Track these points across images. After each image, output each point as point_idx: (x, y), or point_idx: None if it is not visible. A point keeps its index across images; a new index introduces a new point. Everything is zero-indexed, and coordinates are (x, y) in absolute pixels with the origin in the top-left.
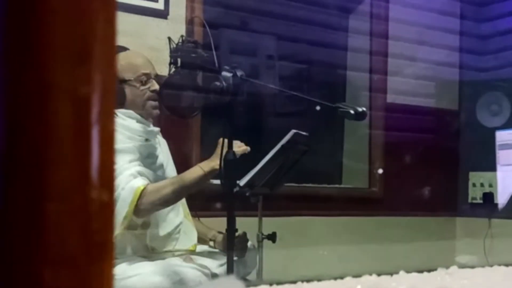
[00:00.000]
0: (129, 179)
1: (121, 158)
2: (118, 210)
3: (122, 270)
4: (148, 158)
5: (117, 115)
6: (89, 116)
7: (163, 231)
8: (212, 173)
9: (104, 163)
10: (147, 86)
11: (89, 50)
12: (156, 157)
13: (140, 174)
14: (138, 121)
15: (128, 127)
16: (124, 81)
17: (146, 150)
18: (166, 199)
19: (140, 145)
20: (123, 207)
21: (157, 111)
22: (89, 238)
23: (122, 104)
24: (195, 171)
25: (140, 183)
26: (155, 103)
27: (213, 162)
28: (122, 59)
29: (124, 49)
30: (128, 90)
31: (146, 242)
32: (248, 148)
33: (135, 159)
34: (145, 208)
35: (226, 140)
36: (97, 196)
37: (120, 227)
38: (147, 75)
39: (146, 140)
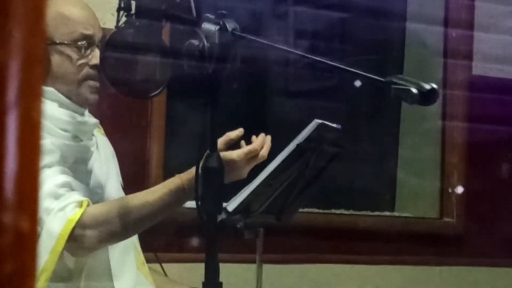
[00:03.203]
0: (49, 199)
1: None
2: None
3: None
4: (75, 165)
5: None
6: (4, 96)
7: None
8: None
9: (24, 171)
10: (87, 58)
11: None
12: (89, 165)
13: (66, 187)
14: (62, 106)
15: (45, 113)
16: (51, 43)
17: (72, 153)
18: (120, 231)
19: (64, 144)
20: (43, 249)
21: (95, 97)
22: None
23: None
24: (173, 186)
25: (72, 205)
26: (95, 84)
27: None
28: (50, 7)
29: None
30: (56, 59)
31: None
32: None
33: (55, 161)
34: (88, 244)
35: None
36: (12, 223)
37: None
38: (89, 39)
39: (75, 138)
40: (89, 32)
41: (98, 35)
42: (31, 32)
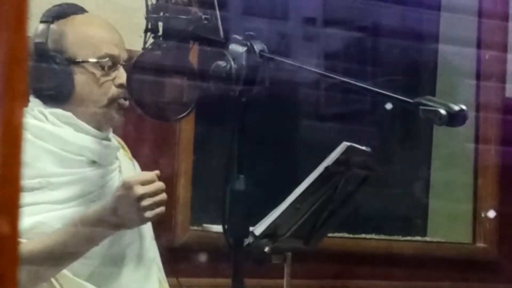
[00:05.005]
0: None
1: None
2: None
3: None
4: (90, 195)
5: (44, 115)
6: None
7: None
8: (118, 229)
9: (4, 174)
10: (111, 77)
11: None
12: (106, 188)
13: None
14: (79, 130)
15: (60, 139)
16: (74, 62)
17: (89, 181)
18: (38, 270)
19: (79, 177)
20: None
21: (121, 119)
22: None
23: (66, 99)
24: (94, 215)
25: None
26: (124, 102)
27: (130, 212)
28: (75, 26)
29: (79, 10)
30: (79, 78)
31: None
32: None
33: (42, 200)
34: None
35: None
36: None
37: None
38: (113, 58)
39: (91, 163)
40: (113, 52)
41: (122, 56)
42: (13, 31)
